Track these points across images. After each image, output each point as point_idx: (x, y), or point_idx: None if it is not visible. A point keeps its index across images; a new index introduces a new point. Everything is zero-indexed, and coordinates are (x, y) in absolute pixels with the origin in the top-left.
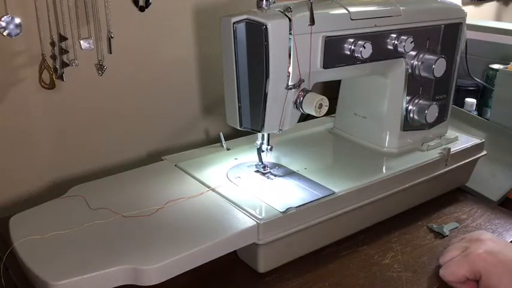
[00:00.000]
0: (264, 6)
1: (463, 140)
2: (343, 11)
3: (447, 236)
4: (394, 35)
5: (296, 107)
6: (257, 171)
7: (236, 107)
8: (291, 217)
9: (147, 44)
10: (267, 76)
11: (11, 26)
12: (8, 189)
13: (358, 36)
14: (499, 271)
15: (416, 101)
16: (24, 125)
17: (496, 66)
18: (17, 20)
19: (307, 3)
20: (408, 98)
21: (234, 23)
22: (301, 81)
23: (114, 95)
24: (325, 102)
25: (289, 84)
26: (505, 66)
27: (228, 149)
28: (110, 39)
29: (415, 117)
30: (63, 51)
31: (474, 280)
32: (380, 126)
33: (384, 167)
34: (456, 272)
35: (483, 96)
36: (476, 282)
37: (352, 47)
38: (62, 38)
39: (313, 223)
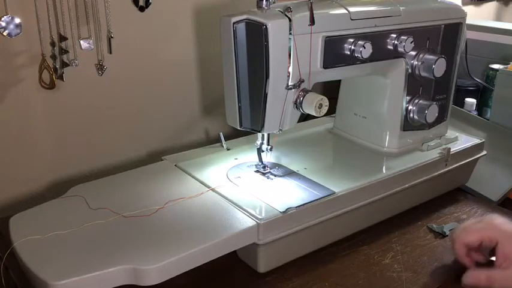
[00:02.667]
0: (264, 6)
1: (463, 140)
2: (343, 11)
3: (447, 236)
4: (394, 35)
5: (296, 107)
6: (257, 171)
7: (236, 107)
8: (291, 217)
9: (147, 44)
10: (267, 76)
11: (11, 26)
12: (8, 189)
13: (358, 36)
14: None
15: (416, 101)
16: (24, 125)
17: (496, 66)
18: (17, 20)
19: (307, 3)
20: (408, 98)
21: (234, 23)
22: (301, 81)
23: (114, 95)
24: (325, 102)
25: (289, 84)
26: (505, 66)
27: (228, 149)
28: (110, 39)
29: (415, 117)
30: (63, 51)
31: (484, 249)
32: (380, 126)
33: (383, 167)
34: (472, 234)
35: (483, 96)
36: (485, 258)
37: (352, 47)
38: (62, 38)
39: (313, 223)
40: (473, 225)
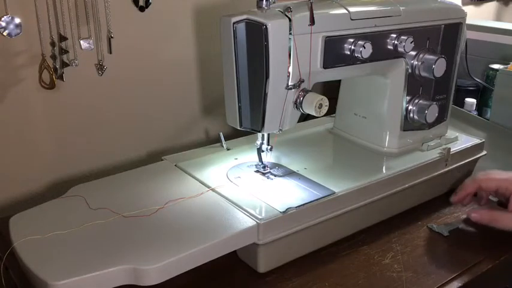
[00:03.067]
0: (264, 6)
1: (463, 140)
2: (343, 11)
3: (447, 235)
4: (394, 35)
5: (296, 107)
6: (257, 171)
7: (236, 107)
8: (291, 217)
9: (147, 44)
10: (267, 76)
11: (11, 26)
12: (8, 189)
13: (358, 36)
14: None
15: (416, 101)
16: (24, 125)
17: (496, 66)
18: (17, 20)
19: (307, 3)
20: (408, 98)
21: (234, 23)
22: (301, 81)
23: (114, 95)
24: (325, 102)
25: (289, 84)
26: (505, 66)
27: (228, 149)
28: (110, 39)
29: (415, 117)
30: (63, 51)
31: (499, 196)
32: (380, 126)
33: (383, 167)
34: (492, 181)
35: (483, 96)
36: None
37: (352, 47)
38: (62, 38)
39: (313, 223)
40: (496, 174)
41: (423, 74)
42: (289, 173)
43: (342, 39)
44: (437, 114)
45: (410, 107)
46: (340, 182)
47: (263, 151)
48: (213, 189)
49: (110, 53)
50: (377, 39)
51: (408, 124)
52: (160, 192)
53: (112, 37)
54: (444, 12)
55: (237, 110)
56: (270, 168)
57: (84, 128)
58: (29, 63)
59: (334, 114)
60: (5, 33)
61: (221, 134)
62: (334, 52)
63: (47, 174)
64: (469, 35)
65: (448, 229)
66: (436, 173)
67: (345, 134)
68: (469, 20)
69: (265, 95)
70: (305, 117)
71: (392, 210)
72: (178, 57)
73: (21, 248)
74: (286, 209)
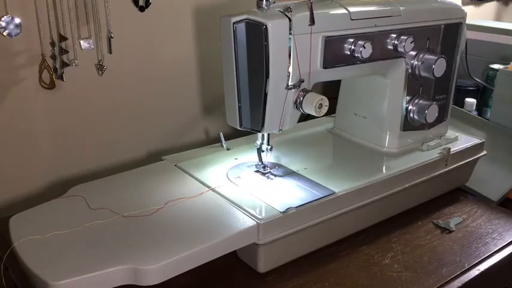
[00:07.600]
0: (264, 6)
1: (463, 140)
2: (343, 11)
3: (453, 231)
4: (394, 35)
5: (296, 107)
6: (257, 171)
7: (236, 107)
8: (291, 217)
9: (147, 44)
10: (267, 76)
11: (11, 26)
12: (8, 189)
13: (358, 36)
14: None
15: (416, 101)
16: (24, 125)
17: (496, 66)
18: (17, 20)
19: (307, 3)
20: (408, 98)
21: (234, 23)
22: (301, 81)
23: (114, 95)
24: (325, 102)
25: (289, 84)
26: (505, 66)
27: (228, 149)
28: (110, 39)
29: (415, 117)
30: (63, 51)
31: None
32: (380, 126)
33: (384, 167)
34: None
35: (483, 96)
36: None
37: (352, 47)
38: (62, 38)
39: (313, 223)
40: None
41: (423, 74)
42: (289, 173)
43: (342, 39)
44: (437, 114)
45: (410, 107)
46: (340, 182)
47: (263, 151)
48: (213, 189)
49: (110, 53)
50: (377, 39)
51: (408, 124)
52: (160, 192)
53: (112, 37)
54: (444, 12)
55: (237, 110)
56: (270, 168)
57: (84, 128)
58: (29, 63)
59: (334, 114)
60: (5, 33)
61: (221, 134)
62: (334, 52)
63: (47, 174)
64: (469, 35)
65: (454, 223)
66: (436, 173)
67: (345, 134)
68: (469, 20)
69: (265, 95)
70: (305, 117)
71: (392, 210)
72: (178, 57)
73: (21, 248)
74: (286, 209)
